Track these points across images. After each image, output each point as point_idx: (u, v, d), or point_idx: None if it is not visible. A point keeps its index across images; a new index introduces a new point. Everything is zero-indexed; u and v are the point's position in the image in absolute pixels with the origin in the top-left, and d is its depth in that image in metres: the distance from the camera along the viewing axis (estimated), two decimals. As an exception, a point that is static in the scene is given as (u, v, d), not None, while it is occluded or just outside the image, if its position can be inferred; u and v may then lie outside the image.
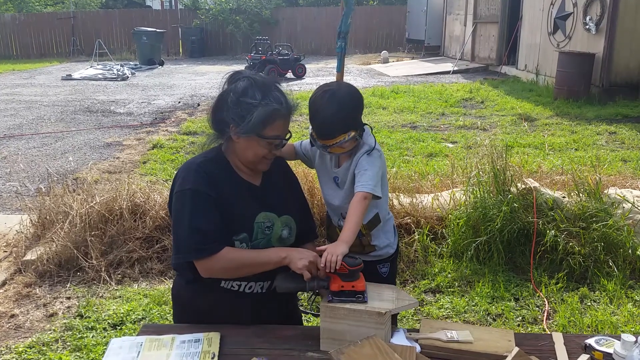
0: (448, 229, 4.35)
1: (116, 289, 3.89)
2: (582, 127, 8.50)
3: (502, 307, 3.59)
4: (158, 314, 3.54)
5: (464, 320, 3.47)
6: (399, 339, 1.85)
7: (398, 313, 2.61)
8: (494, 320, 3.49)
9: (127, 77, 15.78)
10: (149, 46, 18.88)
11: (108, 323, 3.45)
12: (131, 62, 19.01)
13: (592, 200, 4.21)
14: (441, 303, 3.68)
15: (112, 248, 4.21)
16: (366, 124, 2.21)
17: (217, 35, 23.19)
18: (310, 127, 2.18)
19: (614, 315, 3.45)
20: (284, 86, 2.04)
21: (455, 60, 16.81)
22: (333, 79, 3.81)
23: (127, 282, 3.99)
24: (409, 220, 4.43)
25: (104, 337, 3.30)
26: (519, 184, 4.33)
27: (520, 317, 3.50)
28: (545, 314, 3.50)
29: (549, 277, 3.90)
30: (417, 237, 4.31)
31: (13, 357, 3.14)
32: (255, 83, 1.94)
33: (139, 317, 3.52)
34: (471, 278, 3.94)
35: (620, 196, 4.34)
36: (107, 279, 3.99)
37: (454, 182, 5.14)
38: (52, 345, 3.25)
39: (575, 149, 7.26)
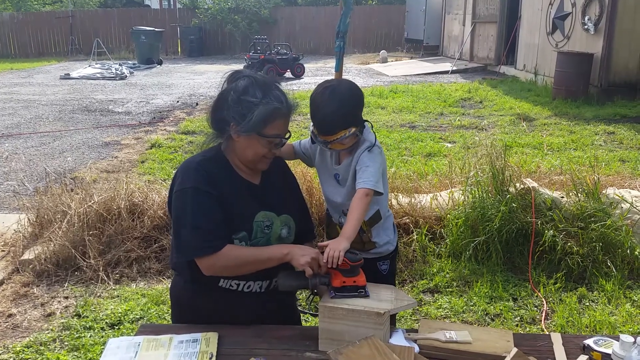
0: (446, 228, 4.35)
1: (114, 289, 3.88)
2: (581, 127, 8.51)
3: (501, 307, 3.59)
4: (156, 313, 3.54)
5: (462, 320, 3.47)
6: (398, 339, 1.85)
7: (397, 313, 2.61)
8: (492, 320, 3.49)
9: (126, 76, 15.76)
10: (148, 45, 18.85)
11: (106, 323, 3.45)
12: (129, 61, 18.99)
13: (590, 200, 4.21)
14: (439, 303, 3.68)
15: (110, 247, 4.20)
16: (366, 121, 2.22)
17: (216, 34, 23.17)
18: (311, 123, 2.18)
19: (612, 316, 3.46)
20: (283, 86, 2.04)
21: (454, 60, 16.82)
22: (332, 78, 3.80)
23: (125, 282, 3.98)
24: (407, 220, 4.43)
25: (102, 336, 3.29)
26: (517, 184, 4.33)
27: (519, 317, 3.50)
28: (544, 314, 3.50)
29: (547, 277, 3.90)
30: (415, 237, 4.31)
31: (11, 357, 3.13)
32: (256, 82, 1.94)
33: (137, 316, 3.51)
34: (469, 278, 3.94)
35: (619, 196, 4.34)
36: (105, 278, 3.98)
37: (452, 182, 5.14)
38: (49, 344, 3.24)
39: (574, 149, 7.27)
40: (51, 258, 4.08)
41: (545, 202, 4.20)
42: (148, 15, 23.64)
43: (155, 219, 4.33)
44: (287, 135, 2.02)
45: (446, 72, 15.44)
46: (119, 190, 4.49)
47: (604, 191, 4.52)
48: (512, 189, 4.26)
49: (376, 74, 16.02)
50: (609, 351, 1.73)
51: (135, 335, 1.95)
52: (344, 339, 1.77)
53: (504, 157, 4.45)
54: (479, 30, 16.53)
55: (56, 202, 4.46)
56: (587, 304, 3.63)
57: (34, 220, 4.48)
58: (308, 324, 3.23)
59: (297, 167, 4.24)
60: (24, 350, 3.18)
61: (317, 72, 16.58)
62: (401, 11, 21.89)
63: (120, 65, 17.17)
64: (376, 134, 2.28)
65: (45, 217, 4.43)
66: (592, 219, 4.06)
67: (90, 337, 3.29)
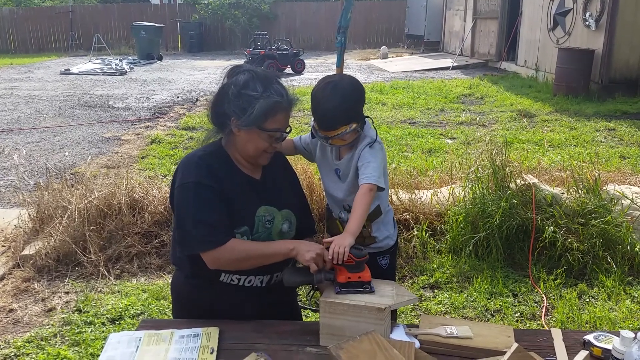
0: (447, 225, 4.35)
1: (115, 284, 3.89)
2: (582, 123, 8.50)
3: (501, 303, 3.59)
4: (157, 308, 3.54)
5: (462, 316, 3.48)
6: (399, 334, 1.85)
7: (397, 309, 2.61)
8: (492, 316, 3.49)
9: (126, 71, 15.73)
10: (148, 41, 18.82)
11: (107, 318, 3.45)
12: (130, 57, 18.94)
13: (591, 196, 4.21)
14: (440, 299, 3.68)
15: (111, 243, 4.20)
16: (367, 117, 2.22)
17: (216, 30, 23.13)
18: (312, 118, 2.18)
19: (613, 312, 3.46)
20: (283, 81, 2.04)
21: (455, 56, 16.79)
22: (332, 74, 3.80)
23: (125, 277, 3.98)
24: (407, 216, 4.43)
25: (103, 331, 3.30)
26: (518, 180, 4.33)
27: (519, 313, 3.50)
28: (544, 310, 3.51)
29: (548, 273, 3.90)
30: (415, 233, 4.31)
31: (12, 352, 3.14)
32: (257, 76, 1.94)
33: (138, 312, 3.52)
34: (470, 274, 3.94)
35: (619, 192, 4.34)
36: (106, 273, 3.98)
37: (453, 178, 5.14)
38: (50, 339, 3.25)
39: (575, 145, 7.26)
40: (52, 253, 4.09)
41: (545, 198, 4.20)
42: (148, 10, 23.58)
43: (155, 214, 4.33)
44: (287, 130, 2.02)
45: (447, 68, 15.42)
46: (120, 186, 4.49)
47: (604, 187, 4.52)
48: (512, 185, 4.26)
49: (377, 69, 15.99)
50: (609, 347, 1.73)
51: (136, 330, 1.95)
52: (344, 334, 1.78)
53: (505, 153, 4.45)
54: (480, 26, 16.50)
55: (56, 197, 4.46)
56: (587, 300, 3.63)
57: (35, 215, 4.48)
58: (308, 320, 3.24)
59: (297, 163, 4.23)
60: (25, 345, 3.19)
61: (318, 67, 16.56)
62: (402, 7, 21.84)
63: (120, 60, 17.14)
64: (377, 129, 2.29)
65: (46, 212, 4.43)
66: (593, 215, 4.06)
67: (91, 332, 3.30)
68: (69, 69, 15.94)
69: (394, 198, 4.52)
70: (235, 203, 1.95)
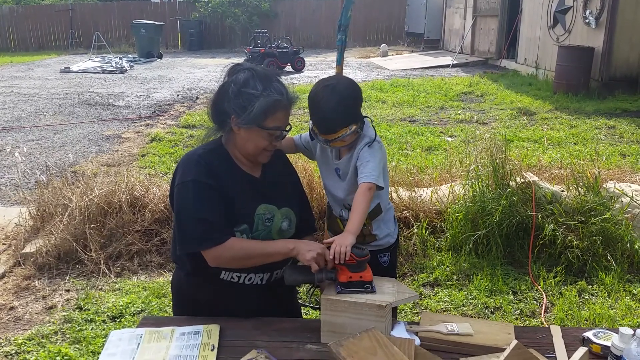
0: (447, 222, 4.35)
1: (115, 282, 3.90)
2: (581, 121, 8.50)
3: (501, 301, 3.60)
4: (157, 306, 3.55)
5: (462, 314, 3.48)
6: (400, 332, 1.86)
7: (398, 306, 2.62)
8: (492, 313, 3.50)
9: (126, 70, 15.73)
10: (148, 39, 18.81)
11: (107, 315, 3.46)
12: (130, 55, 18.94)
13: (590, 194, 4.22)
14: (439, 296, 3.69)
15: (111, 241, 4.21)
16: (366, 116, 2.22)
17: (216, 28, 23.10)
18: (311, 121, 2.19)
19: (612, 309, 3.47)
20: (283, 79, 2.04)
21: (455, 53, 16.77)
22: (332, 72, 3.80)
23: (126, 275, 3.99)
24: (407, 214, 4.44)
25: (103, 329, 3.31)
26: (517, 178, 4.34)
27: (519, 311, 3.51)
28: (543, 308, 3.51)
29: (547, 270, 3.91)
30: (415, 230, 4.31)
31: (13, 349, 3.15)
32: (257, 74, 1.94)
33: (138, 309, 3.52)
34: (470, 271, 3.95)
35: (619, 190, 4.35)
36: (106, 271, 3.99)
37: (452, 176, 5.14)
38: (51, 337, 3.26)
39: (574, 143, 7.26)
40: (52, 251, 4.09)
41: (545, 196, 4.20)
42: (148, 8, 23.54)
43: (156, 212, 4.34)
44: (287, 128, 2.02)
45: (447, 66, 15.41)
46: (120, 184, 4.50)
47: (604, 185, 4.52)
48: (512, 183, 4.27)
49: (377, 67, 15.98)
50: (608, 343, 1.73)
51: (137, 327, 1.96)
52: (346, 331, 1.78)
53: (505, 151, 4.45)
54: (480, 24, 16.48)
55: (57, 195, 4.47)
56: (587, 297, 3.64)
57: (35, 213, 4.49)
58: (308, 317, 3.25)
59: (298, 161, 4.24)
60: (25, 343, 3.20)
61: (318, 65, 16.55)
62: (402, 5, 21.81)
63: (120, 58, 17.13)
64: (376, 128, 2.29)
65: (47, 210, 4.43)
66: (593, 212, 4.07)
67: (91, 329, 3.31)
68: (69, 67, 15.93)
69: (394, 196, 4.53)
70: (235, 201, 1.96)
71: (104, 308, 3.54)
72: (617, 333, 1.69)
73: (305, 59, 15.95)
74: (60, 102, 10.88)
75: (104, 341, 1.99)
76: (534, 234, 4.02)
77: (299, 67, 15.33)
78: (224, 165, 2.00)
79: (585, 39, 10.81)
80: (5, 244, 4.48)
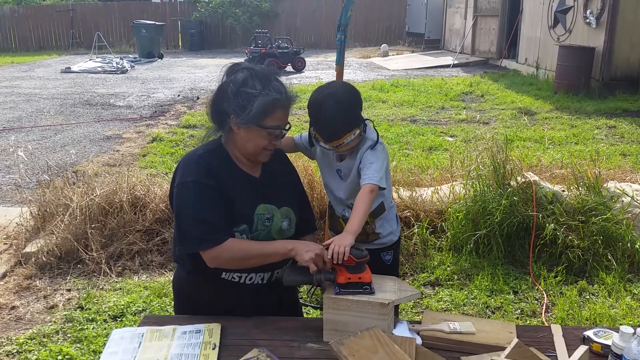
0: (447, 222, 4.36)
1: (116, 281, 3.90)
2: (582, 121, 8.50)
3: (501, 300, 3.60)
4: (158, 305, 3.56)
5: (463, 313, 3.49)
6: (402, 330, 1.86)
7: (399, 305, 2.62)
8: (493, 313, 3.50)
9: (127, 70, 15.74)
10: (148, 39, 18.81)
11: (108, 315, 3.47)
12: (130, 55, 18.94)
13: (591, 194, 4.22)
14: (440, 296, 3.70)
15: (113, 240, 4.21)
16: (367, 119, 2.23)
17: (217, 28, 23.10)
18: (312, 128, 2.19)
19: (613, 309, 3.47)
20: (284, 79, 2.04)
21: (456, 53, 16.77)
22: (333, 72, 3.80)
23: (127, 275, 4.00)
24: (408, 214, 4.44)
25: (105, 328, 3.31)
26: (518, 178, 4.34)
27: (519, 310, 3.51)
28: (544, 307, 3.52)
29: (548, 270, 3.91)
30: (416, 230, 4.32)
31: (14, 349, 3.15)
32: (255, 74, 1.94)
33: (140, 309, 3.53)
34: (470, 271, 3.95)
35: (620, 190, 4.35)
36: (108, 271, 4.00)
37: (453, 176, 5.14)
38: (52, 336, 3.26)
39: (575, 143, 7.26)
40: (53, 251, 4.10)
41: (546, 196, 4.21)
42: (149, 8, 23.54)
43: (157, 212, 4.34)
44: (287, 127, 2.02)
45: (447, 66, 15.41)
46: (121, 184, 4.50)
47: (605, 185, 4.53)
48: (513, 183, 4.27)
49: (377, 67, 15.98)
50: (608, 342, 1.74)
51: (138, 326, 1.96)
52: (348, 329, 1.79)
53: (505, 150, 4.46)
54: (481, 24, 16.48)
55: (58, 195, 4.47)
56: (588, 297, 3.64)
57: (36, 213, 4.49)
58: (309, 316, 3.25)
59: (298, 161, 4.24)
60: (27, 342, 3.20)
61: (318, 65, 16.55)
62: (402, 4, 21.80)
63: (121, 59, 17.14)
64: (377, 128, 2.30)
65: (48, 210, 4.44)
66: (593, 212, 4.07)
67: (93, 329, 3.31)
68: (69, 68, 15.94)
69: (395, 195, 4.53)
70: (235, 201, 1.96)
71: (105, 307, 3.54)
72: (618, 332, 1.69)
73: (306, 59, 15.96)
74: (61, 102, 10.89)
75: (105, 340, 2.00)
76: (534, 233, 4.02)
77: (299, 67, 15.34)
78: (224, 165, 2.00)
79: (586, 38, 10.81)
80: (6, 243, 4.48)
